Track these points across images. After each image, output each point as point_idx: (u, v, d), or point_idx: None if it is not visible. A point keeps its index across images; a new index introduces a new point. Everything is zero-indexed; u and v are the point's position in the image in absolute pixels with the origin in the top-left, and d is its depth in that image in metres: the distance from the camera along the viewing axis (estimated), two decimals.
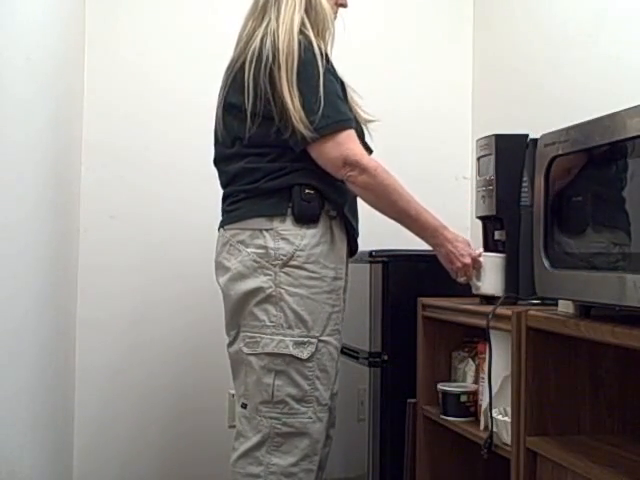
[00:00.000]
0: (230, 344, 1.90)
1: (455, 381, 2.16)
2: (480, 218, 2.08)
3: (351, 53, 2.48)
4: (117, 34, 2.67)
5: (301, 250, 1.80)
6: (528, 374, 1.64)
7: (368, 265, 2.30)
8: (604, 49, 2.15)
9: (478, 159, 2.06)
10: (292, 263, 1.80)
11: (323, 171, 1.83)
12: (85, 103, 2.63)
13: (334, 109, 1.79)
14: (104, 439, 2.64)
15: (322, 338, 1.82)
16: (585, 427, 1.66)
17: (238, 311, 1.84)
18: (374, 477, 2.29)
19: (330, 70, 1.83)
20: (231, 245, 1.84)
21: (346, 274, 1.98)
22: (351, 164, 1.80)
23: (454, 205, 2.89)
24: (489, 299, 1.93)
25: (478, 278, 1.94)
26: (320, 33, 1.87)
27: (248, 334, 1.82)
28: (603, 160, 1.45)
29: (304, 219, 1.81)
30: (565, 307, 1.58)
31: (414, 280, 2.31)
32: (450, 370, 2.21)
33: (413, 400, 2.23)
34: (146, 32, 2.69)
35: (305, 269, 1.80)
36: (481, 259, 1.93)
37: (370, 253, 2.29)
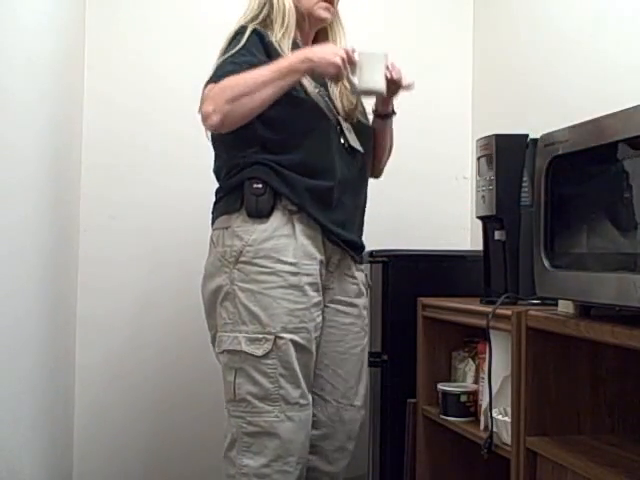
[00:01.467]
0: (212, 344, 1.90)
1: (455, 381, 2.16)
2: (480, 218, 2.08)
3: None
4: (117, 34, 2.66)
5: (249, 245, 1.77)
6: (528, 374, 1.64)
7: (368, 265, 2.29)
8: (604, 49, 2.15)
9: (478, 159, 2.06)
10: (242, 259, 1.78)
11: (277, 165, 1.79)
12: (85, 103, 2.62)
13: (220, 68, 1.78)
14: (104, 436, 2.64)
15: (281, 335, 1.76)
16: (585, 427, 1.66)
17: (211, 311, 1.85)
18: (374, 477, 2.29)
19: (252, 46, 1.81)
20: (210, 245, 1.88)
21: (344, 273, 1.94)
22: (205, 100, 1.75)
23: (454, 205, 2.89)
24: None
25: (354, 74, 1.83)
26: (283, 25, 1.87)
27: (219, 333, 1.83)
28: (603, 160, 1.45)
29: (254, 214, 1.78)
30: (565, 307, 1.58)
31: (414, 280, 2.31)
32: (450, 370, 2.21)
33: (413, 400, 2.23)
34: (146, 32, 2.69)
35: (255, 264, 1.77)
36: (356, 56, 1.82)
37: (370, 253, 2.29)
